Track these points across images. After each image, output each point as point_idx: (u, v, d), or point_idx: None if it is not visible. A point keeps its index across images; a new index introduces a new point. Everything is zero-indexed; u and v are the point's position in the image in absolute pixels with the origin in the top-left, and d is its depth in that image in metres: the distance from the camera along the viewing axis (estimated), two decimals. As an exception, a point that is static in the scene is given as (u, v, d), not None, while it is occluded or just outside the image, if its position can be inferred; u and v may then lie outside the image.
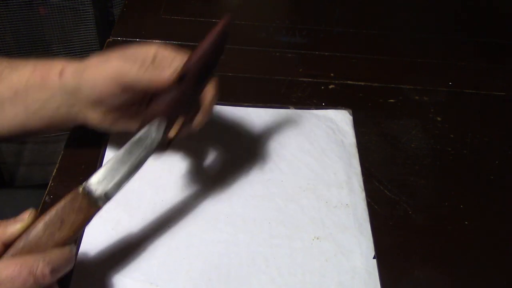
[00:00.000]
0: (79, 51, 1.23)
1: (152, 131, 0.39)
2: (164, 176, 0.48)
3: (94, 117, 0.44)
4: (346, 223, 0.46)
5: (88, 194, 0.35)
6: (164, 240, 0.43)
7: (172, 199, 0.46)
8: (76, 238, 0.38)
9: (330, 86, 0.61)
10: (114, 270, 0.41)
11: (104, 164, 0.37)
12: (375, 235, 0.45)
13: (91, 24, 1.21)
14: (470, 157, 0.54)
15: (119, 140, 0.51)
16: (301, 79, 0.62)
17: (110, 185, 0.36)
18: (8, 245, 0.34)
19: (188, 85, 0.42)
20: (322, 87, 0.61)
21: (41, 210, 0.44)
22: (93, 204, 0.35)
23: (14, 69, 0.44)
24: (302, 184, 0.49)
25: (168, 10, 0.72)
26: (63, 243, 0.34)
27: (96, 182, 0.36)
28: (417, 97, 0.61)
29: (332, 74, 0.63)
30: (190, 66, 0.42)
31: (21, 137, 0.47)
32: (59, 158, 0.49)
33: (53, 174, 0.47)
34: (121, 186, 0.37)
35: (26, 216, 0.34)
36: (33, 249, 0.33)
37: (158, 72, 0.41)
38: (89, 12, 1.19)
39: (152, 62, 0.43)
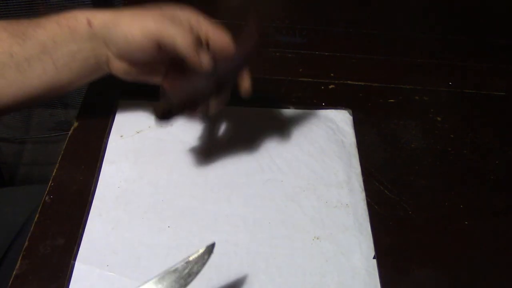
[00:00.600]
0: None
1: (192, 264, 0.35)
2: (164, 176, 0.48)
3: (120, 68, 0.46)
4: (346, 223, 0.46)
5: None
6: (163, 240, 0.43)
7: (172, 199, 0.46)
8: None
9: (330, 86, 0.61)
10: (113, 270, 0.41)
11: None
12: (375, 235, 0.45)
13: (91, 24, 1.21)
14: (470, 157, 0.54)
15: (119, 140, 0.51)
16: (301, 79, 0.62)
17: None
18: None
19: (217, 79, 0.43)
20: (322, 87, 0.61)
21: (41, 210, 0.44)
22: None
23: (38, 26, 0.44)
24: (302, 184, 0.49)
25: (168, 10, 0.71)
26: None
27: None
28: (417, 97, 0.61)
29: (332, 74, 0.63)
30: (225, 67, 0.43)
31: (49, 97, 0.47)
32: (59, 158, 0.49)
33: (53, 174, 0.47)
34: None
35: None
36: None
37: (200, 51, 0.42)
38: (89, 12, 1.19)
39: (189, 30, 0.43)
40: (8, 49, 0.43)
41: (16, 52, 0.43)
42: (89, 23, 0.43)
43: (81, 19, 0.43)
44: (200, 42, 0.44)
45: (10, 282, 0.39)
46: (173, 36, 0.42)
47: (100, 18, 0.43)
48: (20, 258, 0.41)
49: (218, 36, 0.44)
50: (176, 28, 0.42)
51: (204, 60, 0.43)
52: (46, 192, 0.45)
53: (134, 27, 0.42)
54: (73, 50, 0.44)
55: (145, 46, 0.43)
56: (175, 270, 0.35)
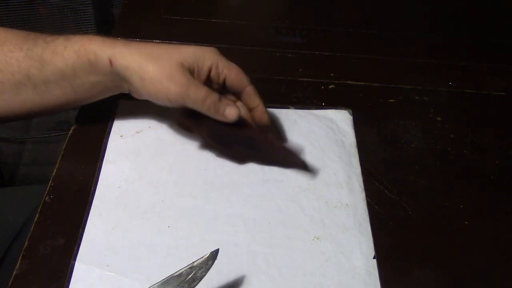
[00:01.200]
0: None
1: (196, 270, 0.36)
2: (164, 176, 0.48)
3: (137, 95, 0.46)
4: (346, 223, 0.46)
5: None
6: (164, 240, 0.43)
7: (172, 199, 0.46)
8: None
9: (330, 86, 0.61)
10: (113, 270, 0.41)
11: None
12: (375, 235, 0.45)
13: (91, 24, 1.21)
14: (470, 157, 0.54)
15: (119, 140, 0.51)
16: (301, 79, 0.62)
17: None
18: None
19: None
20: (322, 87, 0.61)
21: (41, 210, 0.44)
22: None
23: (55, 53, 0.43)
24: (302, 184, 0.49)
25: (168, 10, 0.72)
26: None
27: None
28: (417, 97, 0.61)
29: (332, 74, 0.63)
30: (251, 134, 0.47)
31: (64, 111, 0.50)
32: (59, 158, 0.49)
33: (53, 174, 0.47)
34: None
35: None
36: None
37: (221, 106, 0.45)
38: (89, 12, 1.19)
39: (208, 77, 0.46)
40: (25, 71, 0.43)
41: (33, 75, 0.43)
42: (111, 62, 0.43)
43: (101, 56, 0.43)
44: (221, 94, 0.46)
45: (10, 282, 0.39)
46: (195, 101, 0.44)
47: (123, 59, 0.43)
48: (20, 258, 0.41)
49: (234, 75, 0.47)
50: (198, 92, 0.44)
51: (228, 115, 0.45)
52: (46, 192, 0.45)
53: (160, 90, 0.44)
54: (93, 80, 0.45)
55: (167, 104, 0.45)
56: (180, 275, 0.35)
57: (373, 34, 0.72)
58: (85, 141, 0.51)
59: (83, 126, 0.52)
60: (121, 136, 0.51)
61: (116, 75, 0.44)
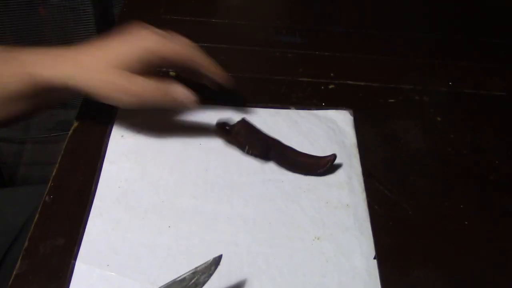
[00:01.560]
0: (79, 51, 1.23)
1: (199, 275, 0.36)
2: (164, 176, 0.48)
3: None
4: (347, 223, 0.46)
5: None
6: (164, 240, 0.43)
7: (172, 199, 0.46)
8: None
9: (330, 86, 0.61)
10: (114, 270, 0.41)
11: None
12: (375, 236, 0.45)
13: (91, 24, 1.21)
14: (470, 157, 0.54)
15: (120, 140, 0.51)
16: (301, 79, 0.62)
17: None
18: None
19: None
20: (322, 87, 0.61)
21: (41, 210, 0.44)
22: None
23: (5, 75, 0.43)
24: (303, 184, 0.49)
25: (168, 10, 0.72)
26: None
27: None
28: (417, 97, 0.61)
29: (332, 74, 0.63)
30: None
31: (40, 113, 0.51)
32: (59, 158, 0.49)
33: (53, 174, 0.47)
34: None
35: None
36: None
37: (169, 95, 0.45)
38: (89, 12, 1.19)
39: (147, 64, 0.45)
40: None
41: None
42: (66, 87, 0.44)
43: (58, 82, 0.43)
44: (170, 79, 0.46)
45: (10, 282, 0.39)
46: (150, 103, 0.45)
47: (75, 83, 0.44)
48: (20, 258, 0.41)
49: (179, 65, 0.47)
50: (150, 93, 0.44)
51: (179, 97, 0.45)
52: (46, 192, 0.45)
53: (105, 98, 0.44)
54: (61, 96, 0.48)
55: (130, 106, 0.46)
56: (182, 280, 0.35)
57: (373, 34, 0.72)
58: (85, 141, 0.51)
59: (83, 126, 0.52)
60: (122, 136, 0.51)
61: (77, 93, 0.45)
